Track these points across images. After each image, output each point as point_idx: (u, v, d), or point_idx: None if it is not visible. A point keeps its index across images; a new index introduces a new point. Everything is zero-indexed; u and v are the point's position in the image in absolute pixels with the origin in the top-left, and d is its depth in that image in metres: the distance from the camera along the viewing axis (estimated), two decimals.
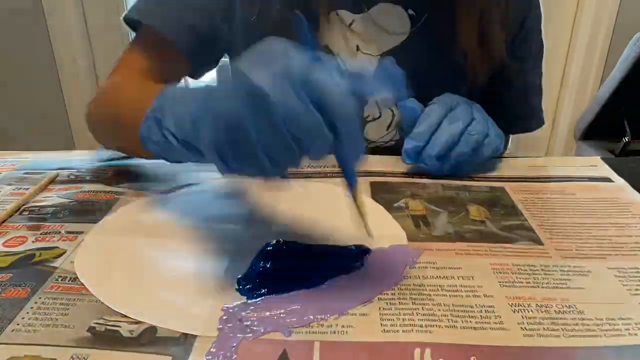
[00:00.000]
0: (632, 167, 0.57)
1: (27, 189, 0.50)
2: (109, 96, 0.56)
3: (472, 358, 0.30)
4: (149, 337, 0.32)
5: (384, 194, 0.50)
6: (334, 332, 0.32)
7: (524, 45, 0.64)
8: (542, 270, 0.39)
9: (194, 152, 0.37)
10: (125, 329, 0.32)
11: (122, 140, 0.51)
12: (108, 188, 0.51)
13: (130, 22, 0.61)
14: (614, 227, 0.45)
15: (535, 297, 0.36)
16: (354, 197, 0.37)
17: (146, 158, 0.55)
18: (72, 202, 0.48)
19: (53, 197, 0.49)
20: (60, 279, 0.37)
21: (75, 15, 1.56)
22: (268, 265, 0.39)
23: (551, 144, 1.71)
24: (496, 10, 0.59)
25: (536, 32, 0.65)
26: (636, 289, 0.37)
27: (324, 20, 0.59)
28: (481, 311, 0.34)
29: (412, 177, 0.54)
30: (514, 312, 0.34)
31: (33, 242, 0.42)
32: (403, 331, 0.32)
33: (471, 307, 0.35)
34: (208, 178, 0.52)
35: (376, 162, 0.57)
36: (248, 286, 0.36)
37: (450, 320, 0.33)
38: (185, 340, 0.31)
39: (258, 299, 0.35)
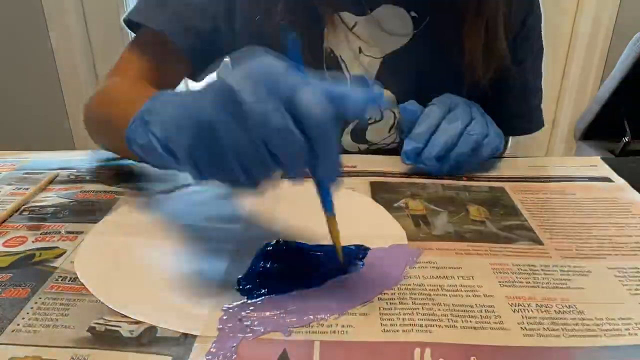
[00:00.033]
0: (632, 167, 0.57)
1: (27, 189, 0.50)
2: (104, 97, 0.57)
3: (472, 358, 0.30)
4: (149, 337, 0.32)
5: (384, 194, 0.50)
6: (334, 332, 0.32)
7: (525, 44, 0.64)
8: (542, 270, 0.39)
9: (174, 158, 0.35)
10: (125, 329, 0.32)
11: (113, 141, 0.51)
12: (108, 188, 0.51)
13: (131, 24, 0.61)
14: (614, 227, 0.45)
15: (535, 297, 0.36)
16: (330, 228, 0.36)
17: (134, 160, 0.55)
18: (72, 202, 0.48)
19: (53, 197, 0.49)
20: (60, 279, 0.37)
21: (75, 15, 1.56)
22: (268, 265, 0.39)
23: (551, 144, 1.71)
24: (501, 14, 0.59)
25: (536, 32, 0.65)
26: (636, 289, 0.37)
27: (326, 23, 0.59)
28: (481, 311, 0.34)
29: (412, 177, 0.54)
30: (514, 312, 0.34)
31: (33, 242, 0.42)
32: (403, 331, 0.32)
33: (471, 307, 0.35)
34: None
35: (376, 162, 0.57)
36: (248, 286, 0.36)
37: (450, 320, 0.33)
38: (185, 340, 0.32)
39: (258, 299, 0.35)
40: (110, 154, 0.59)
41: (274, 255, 0.40)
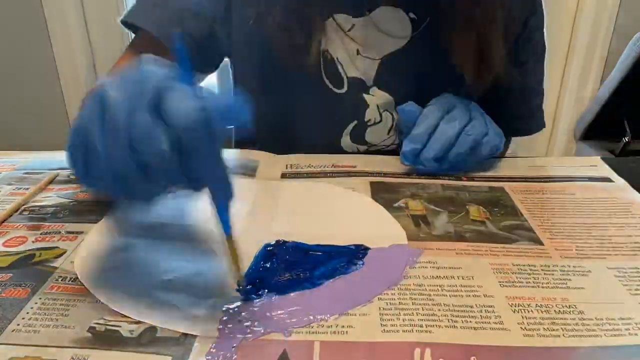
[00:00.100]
0: (632, 167, 0.57)
1: (27, 189, 0.50)
2: None
3: (472, 358, 0.30)
4: (149, 337, 0.32)
5: (384, 194, 0.50)
6: (334, 332, 0.32)
7: (527, 45, 0.64)
8: (542, 270, 0.39)
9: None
10: (125, 329, 0.32)
11: None
12: None
13: (128, 25, 0.61)
14: (614, 227, 0.45)
15: (535, 297, 0.36)
16: (229, 247, 0.35)
17: None
18: (72, 202, 0.48)
19: (53, 197, 0.49)
20: (60, 279, 0.37)
21: (75, 15, 1.56)
22: (268, 265, 0.39)
23: (551, 144, 1.71)
24: (496, 26, 0.58)
25: (539, 32, 0.65)
26: (636, 289, 0.37)
27: (322, 25, 0.59)
28: (481, 311, 0.34)
29: (412, 177, 0.54)
30: (514, 312, 0.34)
31: (33, 242, 0.42)
32: (403, 331, 0.32)
33: (471, 307, 0.35)
34: None
35: (376, 162, 0.57)
36: (248, 286, 0.36)
37: (450, 320, 0.33)
38: (185, 340, 0.32)
39: (258, 299, 0.35)
40: None
41: (274, 255, 0.40)
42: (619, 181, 0.53)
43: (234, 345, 0.31)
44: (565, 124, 1.65)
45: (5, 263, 0.39)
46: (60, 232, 0.43)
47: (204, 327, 0.32)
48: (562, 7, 1.54)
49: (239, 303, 0.35)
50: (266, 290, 0.36)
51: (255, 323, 0.33)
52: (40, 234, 0.43)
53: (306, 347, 0.31)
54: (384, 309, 0.34)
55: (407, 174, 0.55)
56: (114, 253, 0.41)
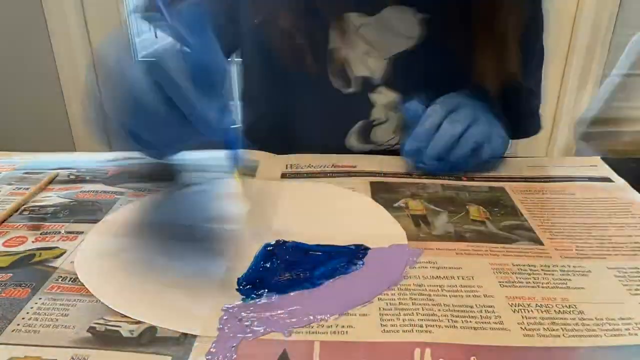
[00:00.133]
0: (632, 167, 0.57)
1: (27, 189, 0.50)
2: None
3: (472, 358, 0.30)
4: (149, 337, 0.32)
5: (384, 194, 0.50)
6: (334, 332, 0.32)
7: (528, 47, 0.64)
8: (542, 270, 0.39)
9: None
10: (125, 329, 0.32)
11: None
12: (108, 188, 0.51)
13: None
14: (614, 227, 0.45)
15: (535, 297, 0.36)
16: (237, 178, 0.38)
17: None
18: (72, 202, 0.48)
19: (53, 197, 0.49)
20: (60, 279, 0.37)
21: (75, 15, 1.56)
22: (268, 265, 0.39)
23: (551, 144, 1.71)
24: (511, 25, 0.57)
25: (539, 35, 0.65)
26: (636, 289, 0.37)
27: (331, 24, 0.59)
28: (481, 311, 0.34)
29: (412, 177, 0.54)
30: (514, 312, 0.34)
31: (33, 242, 0.42)
32: (403, 331, 0.32)
33: (471, 307, 0.35)
34: (208, 178, 0.53)
35: (376, 162, 0.57)
36: (248, 286, 0.36)
37: (450, 320, 0.33)
38: (185, 340, 0.32)
39: (258, 299, 0.35)
40: (110, 155, 0.59)
41: (274, 255, 0.40)
42: (619, 181, 0.53)
43: (234, 345, 0.31)
44: (565, 124, 1.65)
45: (5, 263, 0.39)
46: (60, 232, 0.43)
47: (204, 327, 0.32)
48: (562, 7, 1.54)
49: (239, 303, 0.35)
50: (266, 290, 0.36)
51: (255, 323, 0.33)
52: (40, 234, 0.43)
53: (306, 347, 0.31)
54: (384, 309, 0.34)
55: (407, 174, 0.54)
56: (114, 253, 0.41)
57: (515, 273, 0.38)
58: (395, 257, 0.40)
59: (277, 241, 0.41)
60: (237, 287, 0.36)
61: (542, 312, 0.34)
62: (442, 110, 0.54)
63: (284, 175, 0.54)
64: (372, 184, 0.52)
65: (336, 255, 0.40)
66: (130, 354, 0.30)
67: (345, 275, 0.38)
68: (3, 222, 0.45)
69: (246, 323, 0.33)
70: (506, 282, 0.37)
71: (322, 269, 0.38)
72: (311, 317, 0.33)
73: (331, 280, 0.37)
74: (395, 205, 0.48)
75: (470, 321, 0.33)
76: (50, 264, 0.39)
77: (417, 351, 0.31)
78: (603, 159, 0.58)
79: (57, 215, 0.46)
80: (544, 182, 0.54)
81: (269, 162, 0.57)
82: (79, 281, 0.37)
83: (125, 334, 0.32)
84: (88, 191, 0.50)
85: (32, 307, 0.34)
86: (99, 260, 0.39)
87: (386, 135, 0.64)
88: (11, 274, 0.37)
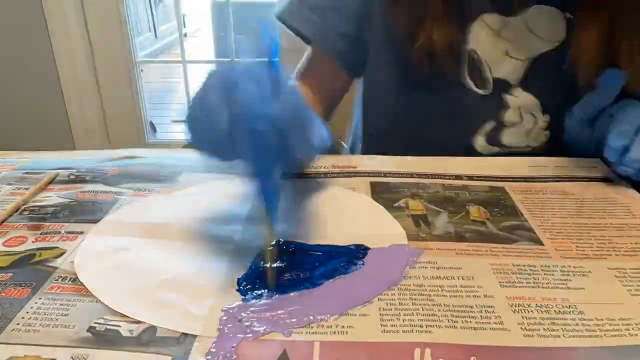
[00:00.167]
0: None
1: (27, 189, 0.50)
2: None
3: (472, 358, 0.30)
4: (149, 337, 0.32)
5: (384, 194, 0.50)
6: (334, 332, 0.32)
7: None
8: (542, 270, 0.39)
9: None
10: (125, 329, 0.32)
11: None
12: (108, 188, 0.51)
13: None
14: (614, 227, 0.45)
15: (536, 298, 0.36)
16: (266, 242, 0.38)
17: None
18: (72, 202, 0.48)
19: (53, 197, 0.49)
20: (60, 279, 0.37)
21: (75, 15, 1.57)
22: (268, 266, 0.38)
23: None
24: None
25: None
26: (636, 289, 0.37)
27: (470, 25, 0.58)
28: (481, 311, 0.34)
29: (412, 177, 0.54)
30: (514, 312, 0.34)
31: (33, 242, 0.42)
32: (403, 331, 0.32)
33: (471, 307, 0.35)
34: (208, 179, 0.52)
35: (376, 162, 0.57)
36: (248, 286, 0.36)
37: (450, 321, 0.33)
38: (185, 340, 0.31)
39: (258, 299, 0.35)
40: (109, 154, 0.59)
41: (274, 255, 0.40)
42: (619, 181, 0.53)
43: (234, 345, 0.31)
44: None
45: (5, 263, 0.39)
46: (60, 232, 0.43)
47: (204, 327, 0.32)
48: None
49: (239, 303, 0.35)
50: (266, 290, 0.36)
51: (255, 323, 0.33)
52: (40, 234, 0.43)
53: (306, 347, 0.31)
54: (384, 309, 0.34)
55: (407, 174, 0.54)
56: (114, 253, 0.41)
57: (516, 273, 0.38)
58: (395, 257, 0.40)
59: (277, 241, 0.41)
60: (237, 287, 0.36)
61: (542, 312, 0.34)
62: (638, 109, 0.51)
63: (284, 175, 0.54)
64: (372, 184, 0.52)
65: (336, 255, 0.40)
66: (130, 354, 0.30)
67: (345, 275, 0.38)
68: (3, 222, 0.45)
69: (246, 323, 0.33)
70: (506, 282, 0.37)
71: (322, 269, 0.38)
72: (311, 317, 0.33)
73: (331, 280, 0.37)
74: (395, 205, 0.48)
75: (471, 321, 0.33)
76: (50, 264, 0.39)
77: (417, 351, 0.31)
78: (603, 159, 0.58)
79: (57, 215, 0.46)
80: (544, 182, 0.54)
81: None
82: (79, 281, 0.37)
83: (125, 333, 0.32)
84: (88, 191, 0.50)
85: (32, 307, 0.34)
86: (99, 260, 0.39)
87: (517, 138, 0.62)
88: (11, 274, 0.37)
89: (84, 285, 0.36)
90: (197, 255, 0.40)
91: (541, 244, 0.42)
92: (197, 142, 0.38)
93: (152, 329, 0.32)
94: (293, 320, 0.33)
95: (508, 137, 0.62)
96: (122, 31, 1.96)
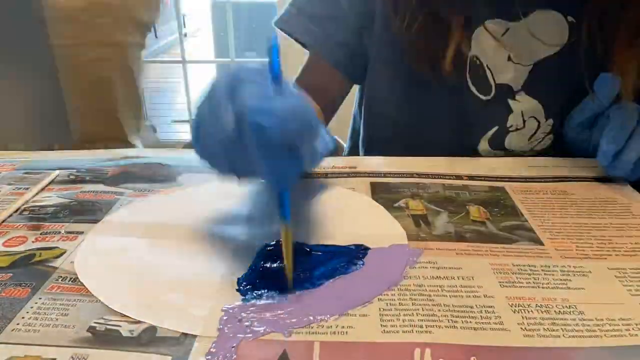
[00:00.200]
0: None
1: (27, 189, 0.50)
2: None
3: (472, 358, 0.30)
4: (149, 337, 0.32)
5: (384, 194, 0.50)
6: (334, 333, 0.32)
7: None
8: (542, 270, 0.39)
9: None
10: (125, 329, 0.32)
11: None
12: (108, 188, 0.51)
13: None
14: (614, 227, 0.45)
15: (536, 298, 0.36)
16: (284, 239, 0.37)
17: None
18: (72, 202, 0.48)
19: (53, 197, 0.49)
20: (60, 279, 0.37)
21: None
22: (268, 265, 0.38)
23: None
24: None
25: None
26: (636, 289, 0.37)
27: (474, 30, 0.58)
28: (481, 311, 0.34)
29: (412, 177, 0.54)
30: (514, 312, 0.34)
31: (33, 242, 0.42)
32: (403, 331, 0.32)
33: (471, 307, 0.35)
34: (208, 179, 0.52)
35: (376, 162, 0.57)
36: (248, 286, 0.36)
37: (450, 321, 0.33)
38: (185, 340, 0.31)
39: (258, 299, 0.35)
40: (109, 154, 0.59)
41: (274, 255, 0.40)
42: (619, 181, 0.53)
43: (234, 345, 0.31)
44: None
45: (5, 263, 0.39)
46: (60, 232, 0.43)
47: (204, 327, 0.32)
48: None
49: (239, 303, 0.35)
50: (266, 290, 0.36)
51: (255, 323, 0.33)
52: (40, 234, 0.43)
53: (306, 347, 0.31)
54: (384, 309, 0.34)
55: (408, 174, 0.54)
56: (114, 253, 0.41)
57: (516, 273, 0.38)
58: (395, 257, 0.40)
59: (277, 241, 0.41)
60: (237, 287, 0.36)
61: (542, 312, 0.34)
62: (633, 110, 0.51)
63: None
64: (372, 184, 0.52)
65: (336, 255, 0.40)
66: (130, 354, 0.30)
67: (345, 275, 0.38)
68: (3, 222, 0.45)
69: (246, 323, 0.33)
70: (506, 282, 0.37)
71: (322, 269, 0.38)
72: (311, 317, 0.33)
73: (331, 280, 0.37)
74: (396, 205, 0.48)
75: (471, 321, 0.33)
76: (50, 264, 0.39)
77: (417, 351, 0.31)
78: None
79: (57, 215, 0.46)
80: (544, 182, 0.54)
81: None
82: (79, 281, 0.37)
83: (125, 333, 0.32)
84: (88, 191, 0.50)
85: (32, 307, 0.34)
86: (99, 260, 0.39)
87: (521, 142, 0.62)
88: (11, 274, 0.37)
89: (84, 285, 0.36)
90: (197, 255, 0.40)
91: (541, 244, 0.42)
92: (204, 152, 0.38)
93: (152, 329, 0.32)
94: (293, 320, 0.33)
95: (512, 142, 0.62)
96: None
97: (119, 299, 0.35)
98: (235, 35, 2.13)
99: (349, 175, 0.54)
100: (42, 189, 0.51)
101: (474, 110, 0.61)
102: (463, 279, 0.38)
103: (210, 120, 0.37)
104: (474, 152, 0.63)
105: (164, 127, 2.45)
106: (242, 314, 0.34)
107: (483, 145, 0.63)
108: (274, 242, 0.41)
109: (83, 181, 0.53)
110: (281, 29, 0.65)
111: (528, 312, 0.34)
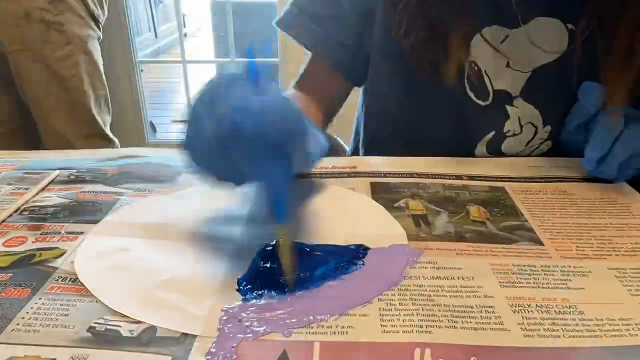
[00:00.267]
0: None
1: (27, 189, 0.50)
2: None
3: (472, 358, 0.30)
4: (149, 337, 0.32)
5: (384, 194, 0.50)
6: (334, 332, 0.32)
7: None
8: (542, 270, 0.39)
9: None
10: (125, 329, 0.32)
11: None
12: (108, 188, 0.51)
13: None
14: (614, 227, 0.45)
15: (536, 298, 0.36)
16: (281, 243, 0.37)
17: None
18: (72, 202, 0.48)
19: (53, 197, 0.49)
20: (60, 280, 0.37)
21: None
22: (268, 265, 0.39)
23: None
24: None
25: None
26: (636, 290, 0.37)
27: (473, 36, 0.58)
28: (481, 311, 0.34)
29: (412, 177, 0.54)
30: (514, 312, 0.34)
31: (33, 242, 0.42)
32: (403, 331, 0.32)
33: (471, 307, 0.35)
34: None
35: (376, 163, 0.57)
36: (248, 286, 0.36)
37: (450, 321, 0.33)
38: (185, 340, 0.32)
39: (258, 299, 0.35)
40: (109, 154, 0.59)
41: (274, 255, 0.40)
42: (619, 181, 0.53)
43: (234, 345, 0.31)
44: None
45: (5, 263, 0.39)
46: (60, 232, 0.43)
47: (204, 327, 0.32)
48: None
49: (239, 303, 0.35)
50: (266, 290, 0.36)
51: (255, 323, 0.33)
52: (40, 234, 0.43)
53: (306, 347, 0.31)
54: (384, 309, 0.34)
55: (408, 174, 0.54)
56: (114, 253, 0.41)
57: (516, 273, 0.38)
58: (395, 257, 0.40)
59: (277, 241, 0.41)
60: (237, 287, 0.36)
61: (542, 312, 0.34)
62: (622, 119, 0.51)
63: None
64: (372, 184, 0.52)
65: (336, 255, 0.40)
66: (129, 354, 0.30)
67: (345, 275, 0.38)
68: (3, 222, 0.45)
69: (246, 323, 0.33)
70: (506, 282, 0.37)
71: (322, 269, 0.38)
72: (311, 317, 0.33)
73: (331, 280, 0.37)
74: (396, 205, 0.48)
75: (471, 321, 0.33)
76: (50, 264, 0.39)
77: (417, 351, 0.31)
78: None
79: (57, 216, 0.46)
80: (544, 182, 0.54)
81: None
82: (79, 281, 0.37)
83: (125, 333, 0.32)
84: (88, 191, 0.50)
85: (32, 307, 0.34)
86: (99, 260, 0.39)
87: (518, 147, 0.62)
88: (11, 274, 0.38)
89: (84, 286, 0.36)
90: (197, 255, 0.40)
91: (541, 244, 0.42)
92: (196, 165, 0.39)
93: (152, 329, 0.32)
94: (293, 320, 0.33)
95: (508, 147, 0.62)
96: (122, 31, 1.96)
97: (119, 299, 0.35)
98: (235, 35, 2.14)
99: (349, 175, 0.54)
100: (42, 189, 0.51)
101: (472, 116, 0.61)
102: (463, 279, 0.38)
103: (195, 132, 0.37)
104: (472, 156, 0.63)
105: (164, 127, 2.45)
106: (242, 314, 0.34)
107: (480, 149, 0.63)
108: (274, 242, 0.41)
109: (83, 181, 0.53)
110: (282, 29, 0.65)
111: (528, 312, 0.34)
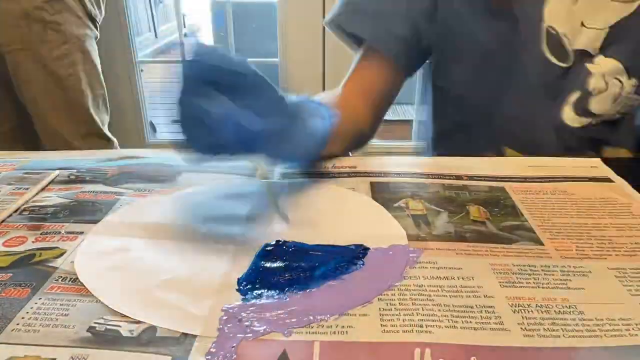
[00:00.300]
0: (632, 167, 0.57)
1: (27, 189, 0.50)
2: None
3: (472, 358, 0.30)
4: (149, 337, 0.32)
5: (384, 194, 0.50)
6: (334, 332, 0.32)
7: None
8: (542, 270, 0.39)
9: None
10: (125, 329, 0.32)
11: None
12: (108, 188, 0.51)
13: (333, 26, 0.66)
14: (614, 227, 0.45)
15: (536, 298, 0.36)
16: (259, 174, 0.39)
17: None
18: (72, 202, 0.48)
19: (53, 197, 0.49)
20: (60, 279, 0.37)
21: None
22: (268, 265, 0.39)
23: None
24: None
25: None
26: (636, 290, 0.37)
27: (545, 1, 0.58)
28: (481, 311, 0.34)
29: (412, 177, 0.54)
30: (514, 312, 0.34)
31: (33, 242, 0.42)
32: (403, 331, 0.32)
33: (471, 307, 0.35)
34: (208, 179, 0.52)
35: (376, 162, 0.57)
36: (248, 286, 0.36)
37: (450, 321, 0.33)
38: (185, 340, 0.32)
39: (258, 299, 0.35)
40: (109, 154, 0.59)
41: (274, 255, 0.40)
42: (619, 181, 0.53)
43: (234, 345, 0.31)
44: None
45: (5, 263, 0.39)
46: (60, 232, 0.43)
47: (204, 327, 0.32)
48: None
49: (239, 303, 0.35)
50: (266, 290, 0.36)
51: (255, 323, 0.33)
52: (40, 234, 0.43)
53: (306, 347, 0.31)
54: (384, 309, 0.34)
55: (408, 174, 0.54)
56: (114, 253, 0.41)
57: (516, 273, 0.38)
58: (395, 257, 0.40)
59: (277, 241, 0.41)
60: (237, 287, 0.36)
61: (542, 312, 0.34)
62: None
63: (284, 176, 0.54)
64: (372, 184, 0.52)
65: (336, 255, 0.40)
66: (129, 354, 0.30)
67: (345, 275, 0.38)
68: (3, 222, 0.45)
69: (246, 323, 0.33)
70: (506, 282, 0.37)
71: (322, 269, 0.38)
72: (311, 317, 0.33)
73: (331, 280, 0.37)
74: (396, 205, 0.48)
75: (471, 321, 0.33)
76: (50, 264, 0.39)
77: (417, 351, 0.31)
78: (603, 159, 0.58)
79: (57, 216, 0.46)
80: (544, 182, 0.54)
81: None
82: (79, 281, 0.37)
83: (125, 333, 0.32)
84: (88, 191, 0.50)
85: (32, 307, 0.34)
86: (99, 260, 0.39)
87: (605, 105, 0.62)
88: (11, 274, 0.38)
89: (84, 286, 0.36)
90: (197, 255, 0.40)
91: (541, 244, 0.42)
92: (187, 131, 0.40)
93: (152, 329, 0.32)
94: (293, 320, 0.33)
95: (596, 105, 0.62)
96: (122, 31, 1.96)
97: (119, 299, 0.35)
98: (235, 35, 2.13)
99: (349, 175, 0.54)
100: (42, 189, 0.51)
101: (555, 78, 0.61)
102: (463, 279, 0.38)
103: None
104: (559, 121, 0.63)
105: (164, 127, 2.45)
106: (242, 313, 0.34)
107: (567, 112, 0.63)
108: (273, 242, 0.41)
109: (83, 181, 0.53)
110: (336, 27, 0.66)
111: (528, 312, 0.34)
